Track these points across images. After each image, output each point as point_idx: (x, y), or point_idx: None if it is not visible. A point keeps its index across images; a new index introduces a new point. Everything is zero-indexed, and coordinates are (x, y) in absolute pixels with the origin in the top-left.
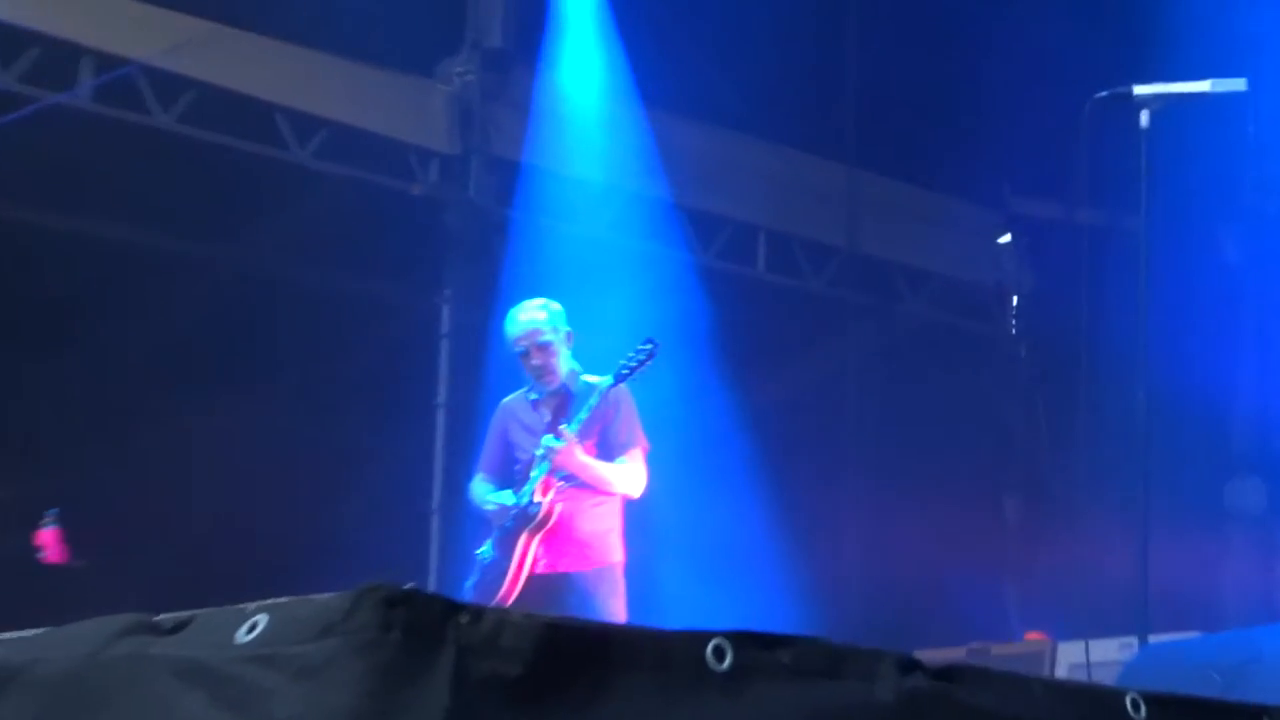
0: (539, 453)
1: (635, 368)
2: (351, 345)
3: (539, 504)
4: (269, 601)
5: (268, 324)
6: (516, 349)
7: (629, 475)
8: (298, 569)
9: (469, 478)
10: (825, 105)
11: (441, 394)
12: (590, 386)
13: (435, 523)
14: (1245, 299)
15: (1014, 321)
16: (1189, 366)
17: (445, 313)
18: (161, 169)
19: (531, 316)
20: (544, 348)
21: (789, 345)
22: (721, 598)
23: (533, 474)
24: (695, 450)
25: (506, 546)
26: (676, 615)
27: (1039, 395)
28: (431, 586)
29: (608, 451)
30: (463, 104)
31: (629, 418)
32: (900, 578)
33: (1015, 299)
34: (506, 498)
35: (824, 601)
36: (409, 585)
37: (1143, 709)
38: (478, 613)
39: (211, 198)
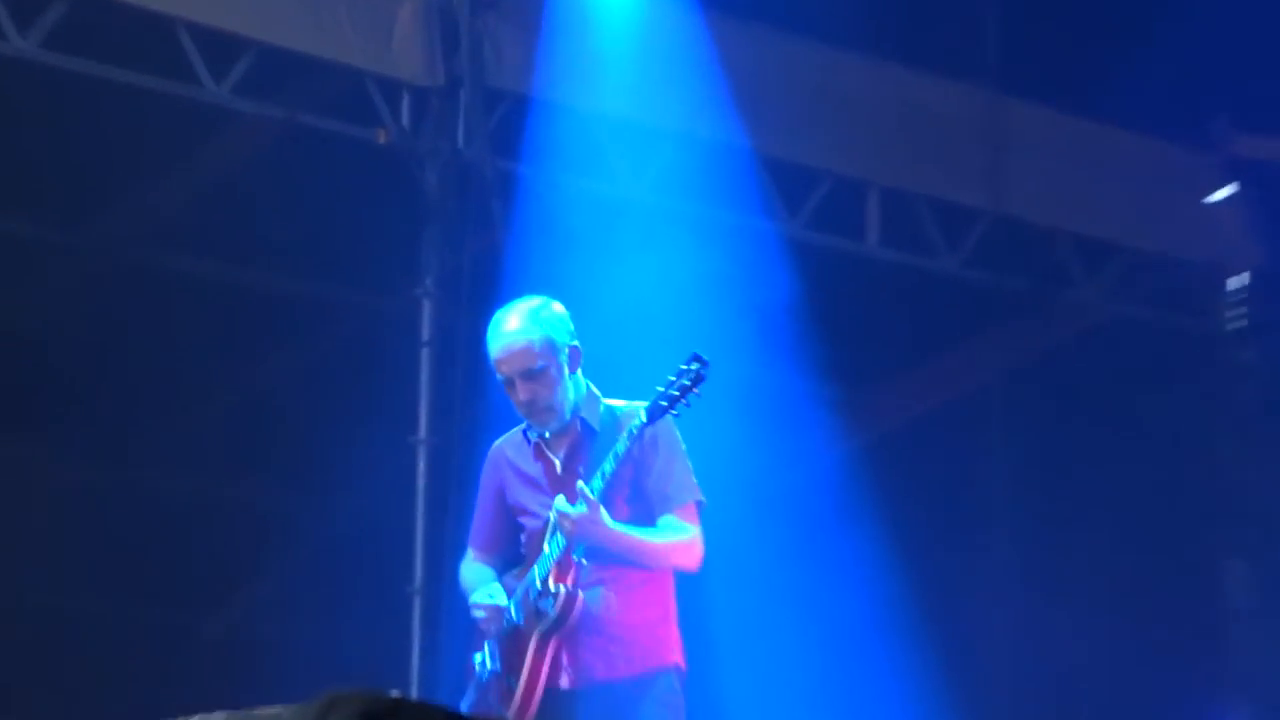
0: (551, 516)
1: (678, 397)
2: (287, 363)
3: (552, 597)
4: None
5: (151, 332)
6: (498, 376)
7: (679, 543)
8: (231, 666)
9: (465, 536)
10: (961, 9)
11: (422, 427)
12: (615, 418)
13: (417, 606)
14: None
15: (1234, 314)
16: None
17: (425, 312)
18: (14, 112)
19: (514, 332)
20: (535, 378)
21: (909, 350)
22: (812, 711)
23: (546, 547)
24: (773, 502)
25: (512, 653)
26: None
27: (1271, 420)
28: (414, 692)
29: (646, 511)
30: (444, 15)
31: (673, 462)
32: (1067, 681)
33: (1237, 282)
34: (496, 595)
35: (960, 714)
36: (393, 693)
37: None
38: None
39: (85, 153)
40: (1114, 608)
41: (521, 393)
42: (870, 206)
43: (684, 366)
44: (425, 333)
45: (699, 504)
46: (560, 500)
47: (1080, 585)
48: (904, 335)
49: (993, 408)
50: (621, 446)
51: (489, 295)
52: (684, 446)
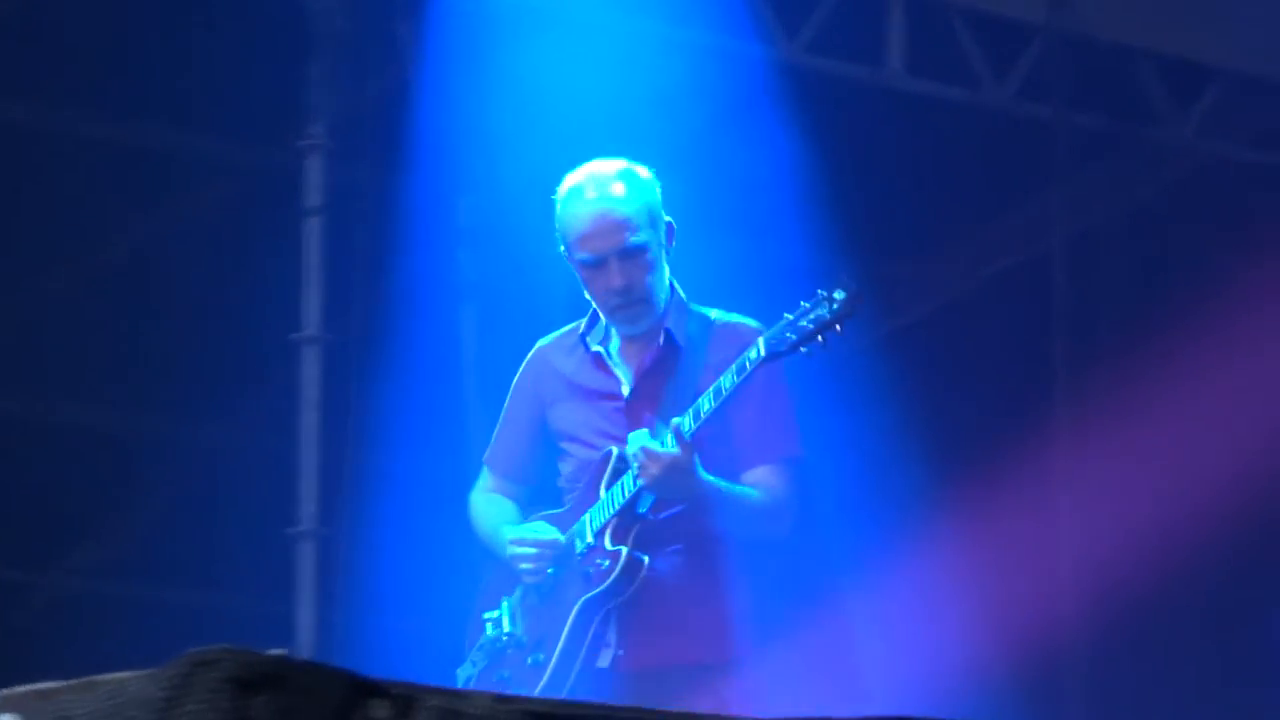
0: (618, 451)
1: (812, 332)
2: (136, 242)
3: (610, 558)
4: (28, 689)
5: None
6: (579, 256)
7: (777, 508)
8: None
9: (365, 470)
10: None
11: (311, 322)
12: (709, 330)
13: (307, 552)
14: None
15: None
16: None
17: (313, 171)
18: None
19: (612, 196)
20: (634, 258)
21: (946, 209)
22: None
23: (603, 492)
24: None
25: (543, 619)
26: None
27: None
28: (306, 652)
29: (730, 459)
30: None
31: (778, 405)
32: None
33: None
34: (543, 530)
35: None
36: (275, 651)
37: None
38: (406, 699)
39: None
40: (1189, 514)
41: (616, 277)
42: (893, 23)
43: (824, 294)
44: (313, 197)
45: (798, 461)
46: (643, 435)
47: (1155, 489)
48: (938, 189)
49: (1055, 279)
50: (728, 382)
51: (397, 147)
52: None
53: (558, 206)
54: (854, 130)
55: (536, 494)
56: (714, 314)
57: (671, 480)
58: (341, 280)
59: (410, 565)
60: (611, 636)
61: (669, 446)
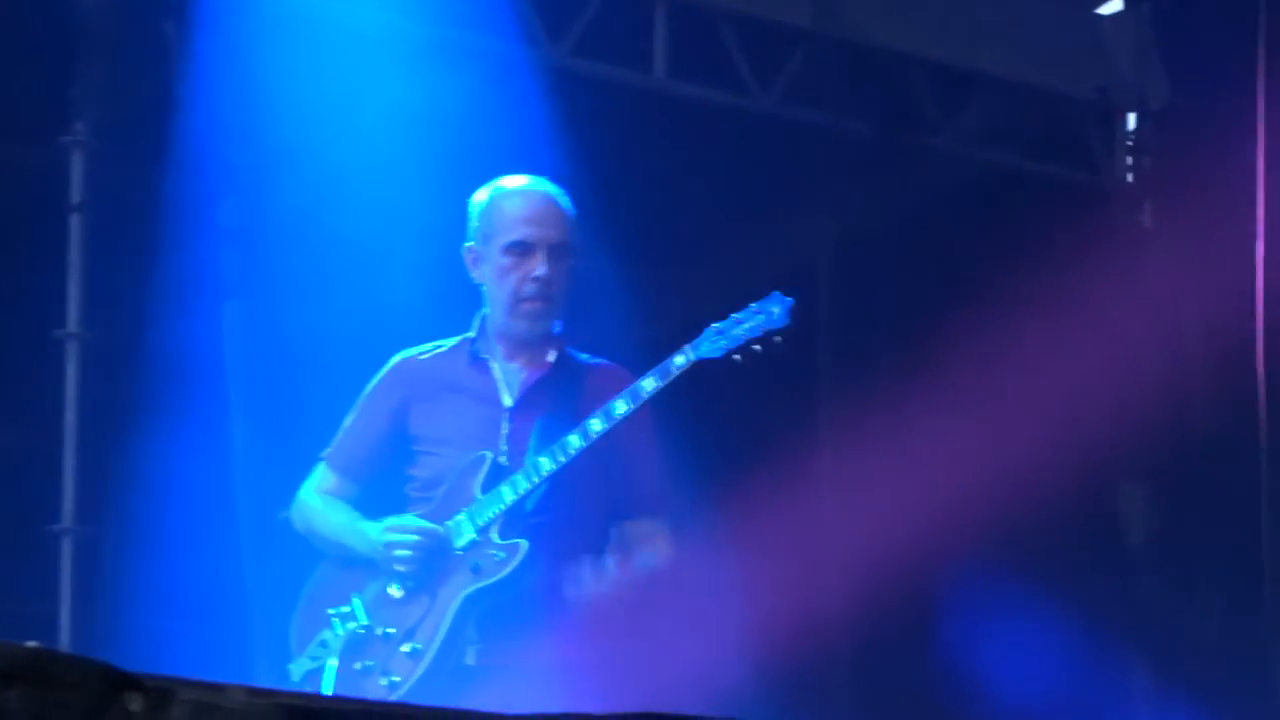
0: (493, 456)
1: (749, 341)
2: None
3: (505, 550)
4: None
5: None
6: (510, 239)
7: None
8: None
9: (127, 468)
10: None
11: (72, 318)
12: (576, 368)
13: (68, 549)
14: None
15: (1129, 163)
16: None
17: (76, 168)
18: None
19: (552, 194)
20: (563, 256)
21: (711, 213)
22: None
23: (477, 489)
24: None
25: (419, 609)
26: None
27: (1186, 301)
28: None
29: (602, 500)
30: None
31: (657, 454)
32: (920, 623)
33: (1133, 120)
34: (421, 523)
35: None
36: (30, 645)
37: None
38: (161, 691)
39: None
40: (950, 514)
41: (542, 265)
42: (658, 27)
43: (757, 308)
44: (76, 193)
45: (677, 516)
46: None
47: (917, 489)
48: (704, 194)
49: (820, 285)
50: (623, 406)
51: (162, 145)
52: None
53: (485, 201)
54: (620, 135)
55: (368, 496)
56: (587, 357)
57: (580, 479)
58: (104, 278)
59: (173, 563)
60: (472, 632)
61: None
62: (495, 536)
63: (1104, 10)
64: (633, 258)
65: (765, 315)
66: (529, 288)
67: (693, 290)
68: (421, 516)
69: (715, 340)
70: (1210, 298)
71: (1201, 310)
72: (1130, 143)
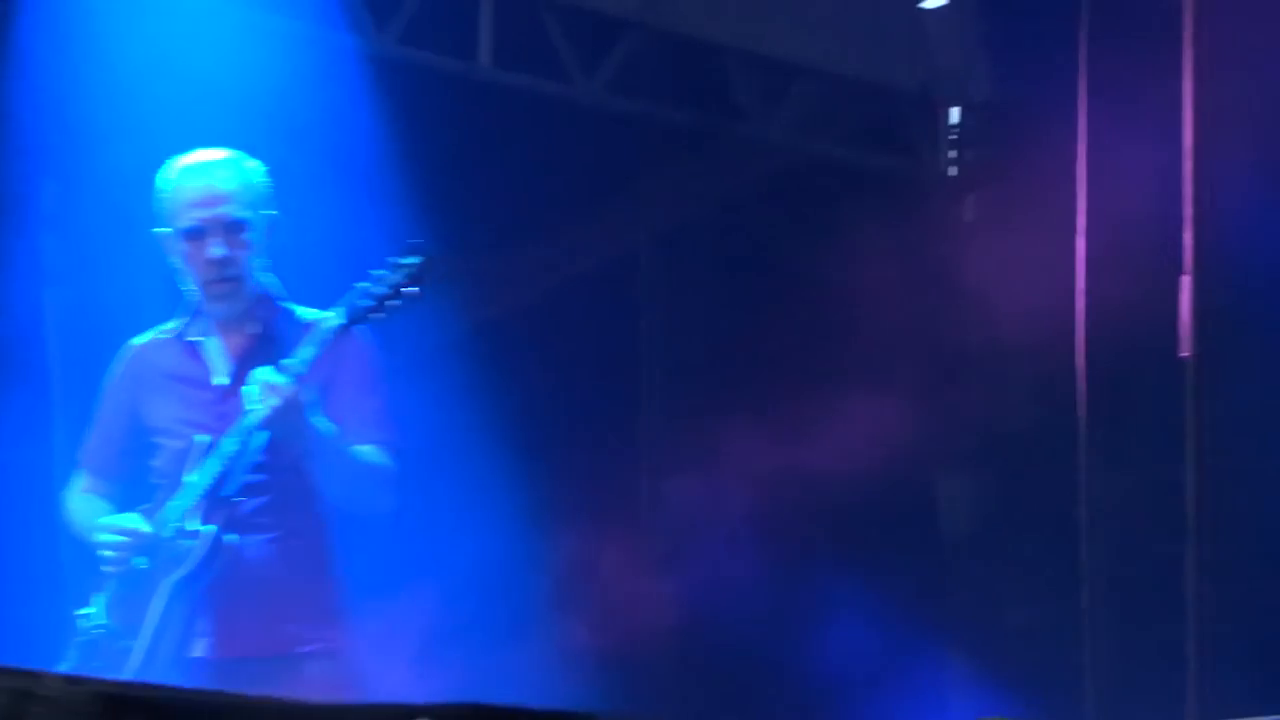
0: (205, 441)
1: (388, 295)
2: None
3: (195, 539)
4: None
5: None
6: (182, 225)
7: (385, 473)
8: None
9: None
10: None
11: None
12: (297, 325)
13: None
14: None
15: (952, 155)
16: None
17: None
18: None
19: (221, 167)
20: (236, 232)
21: (535, 203)
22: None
23: (189, 475)
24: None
25: (132, 606)
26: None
27: (1006, 294)
28: None
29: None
30: None
31: (371, 386)
32: (741, 615)
33: (956, 113)
34: (129, 520)
35: (618, 653)
36: None
37: None
38: None
39: None
40: (804, 524)
41: (213, 246)
42: (483, 15)
43: (396, 261)
44: None
45: (393, 445)
46: (266, 371)
47: (742, 488)
48: (530, 184)
49: (641, 273)
50: (309, 352)
51: None
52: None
53: (163, 184)
54: (446, 123)
55: (132, 492)
56: (303, 311)
57: (288, 416)
58: None
59: None
60: (206, 625)
61: (282, 376)
62: (193, 524)
63: (928, 3)
64: (458, 245)
65: (400, 272)
66: (210, 272)
67: (516, 278)
68: (151, 509)
69: (358, 300)
70: (1030, 291)
71: (1021, 303)
72: (952, 135)
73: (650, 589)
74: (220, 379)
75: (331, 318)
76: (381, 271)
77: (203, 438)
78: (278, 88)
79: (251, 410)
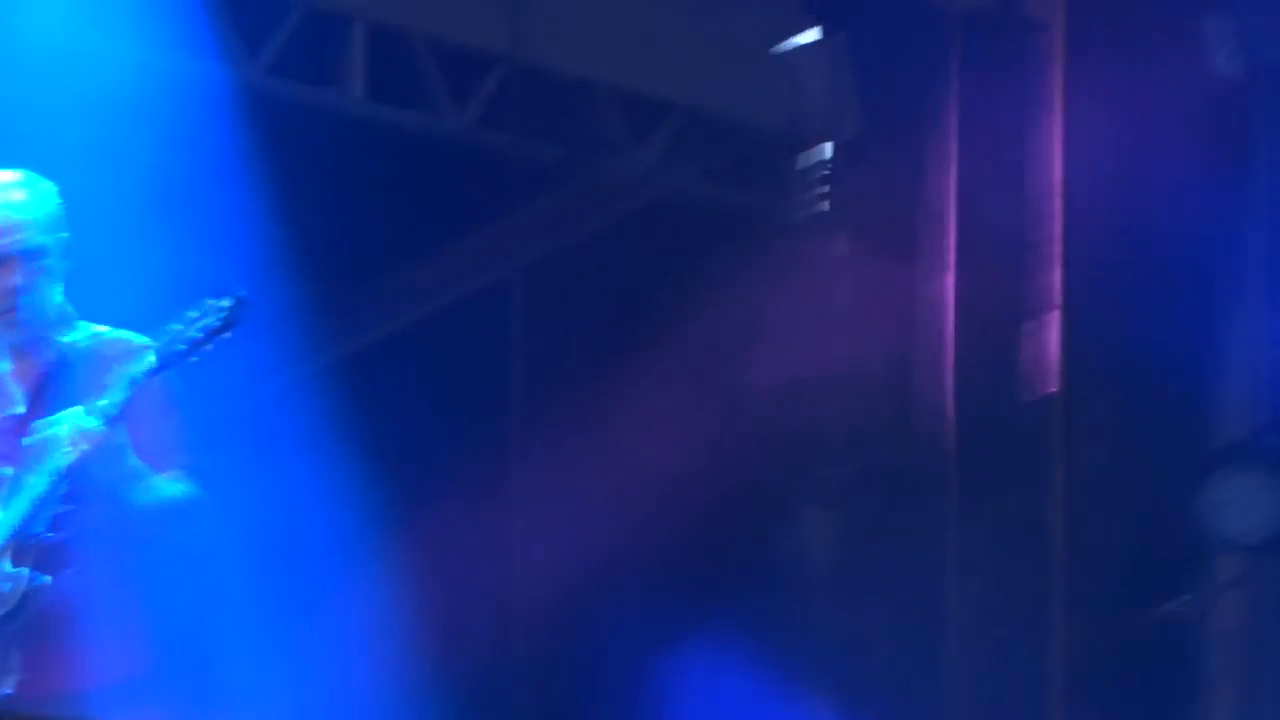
0: (12, 472)
1: (200, 340)
2: None
3: (10, 580)
4: None
5: None
6: None
7: (193, 503)
8: None
9: None
10: None
11: None
12: (101, 347)
13: None
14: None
15: (810, 195)
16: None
17: None
18: None
19: (9, 199)
20: (29, 260)
21: (405, 235)
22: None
23: None
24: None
25: None
26: None
27: (873, 330)
28: None
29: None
30: None
31: (170, 417)
32: (592, 645)
33: (816, 154)
34: None
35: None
36: None
37: None
38: None
39: None
40: (645, 546)
41: (8, 277)
42: (355, 48)
43: (212, 302)
44: None
45: (195, 471)
46: (75, 413)
47: (607, 521)
48: (399, 216)
49: (511, 308)
50: (120, 395)
51: None
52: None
53: None
54: (316, 155)
55: None
56: (104, 330)
57: (100, 460)
58: None
59: None
60: (14, 661)
61: (92, 420)
62: (7, 565)
63: (798, 41)
64: (330, 273)
65: (213, 315)
66: (4, 300)
67: (384, 309)
68: None
69: (172, 345)
70: (897, 327)
71: (888, 339)
72: (819, 172)
73: (509, 616)
74: (16, 408)
75: (142, 350)
76: (194, 313)
77: (4, 469)
78: (148, 118)
79: (61, 453)
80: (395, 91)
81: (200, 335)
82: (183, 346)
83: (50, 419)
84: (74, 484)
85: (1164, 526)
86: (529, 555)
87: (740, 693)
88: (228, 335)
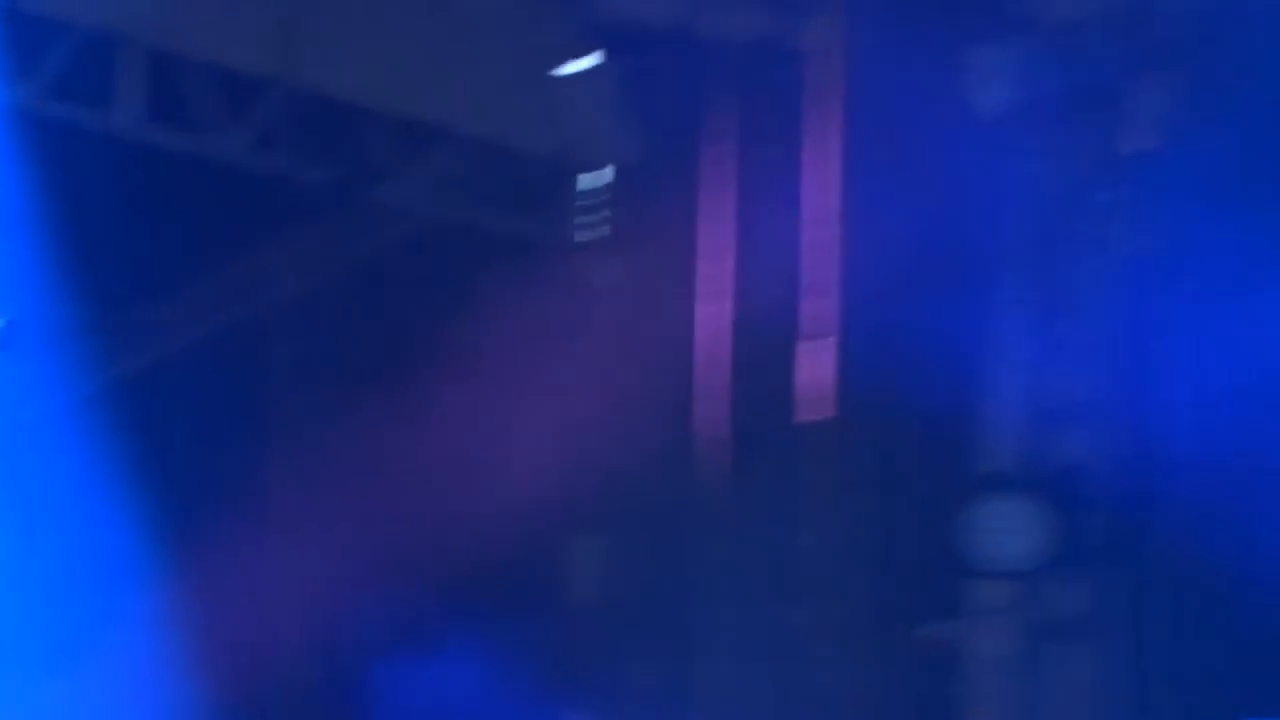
0: None
1: None
2: None
3: None
4: None
5: None
6: None
7: None
8: None
9: None
10: None
11: None
12: None
13: None
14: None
15: (587, 220)
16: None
17: None
18: None
19: None
20: None
21: (177, 257)
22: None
23: None
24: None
25: None
26: None
27: (637, 357)
28: None
29: None
30: None
31: None
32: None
33: (596, 177)
34: None
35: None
36: None
37: None
38: None
39: None
40: (408, 574)
41: None
42: (128, 71)
43: None
44: None
45: None
46: None
47: (371, 550)
48: (171, 238)
49: (273, 332)
50: None
51: None
52: None
53: None
54: (86, 178)
55: None
56: None
57: None
58: None
59: None
60: None
61: None
62: None
63: (572, 68)
64: (98, 296)
65: None
66: None
67: (148, 333)
68: None
69: None
70: (674, 352)
71: (665, 364)
72: (588, 200)
73: (271, 641)
74: None
75: None
76: None
77: None
78: None
79: None
80: (170, 114)
81: None
82: None
83: None
84: None
85: (930, 551)
86: (290, 576)
87: (500, 712)
88: None
